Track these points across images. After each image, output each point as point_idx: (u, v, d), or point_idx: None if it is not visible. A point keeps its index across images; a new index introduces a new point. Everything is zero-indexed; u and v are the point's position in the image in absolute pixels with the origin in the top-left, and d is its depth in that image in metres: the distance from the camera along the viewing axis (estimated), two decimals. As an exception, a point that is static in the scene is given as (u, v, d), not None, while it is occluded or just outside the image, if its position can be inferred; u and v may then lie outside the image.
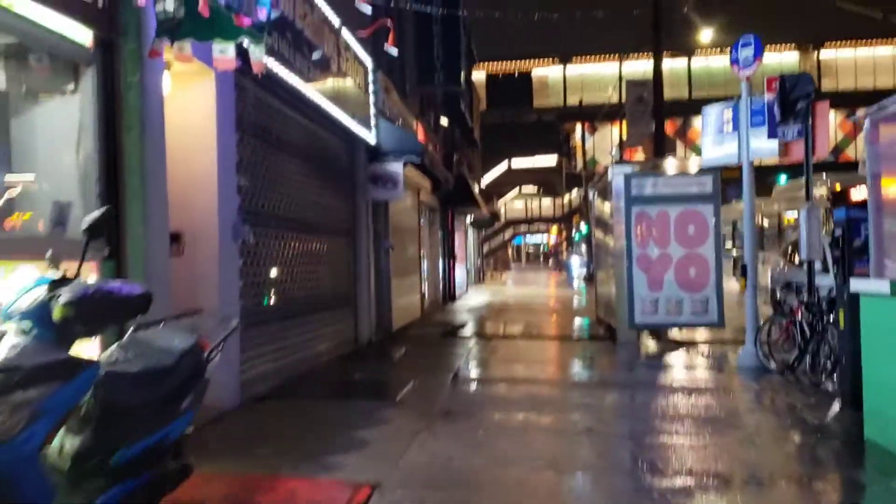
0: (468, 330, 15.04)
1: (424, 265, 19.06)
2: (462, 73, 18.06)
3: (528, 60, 51.49)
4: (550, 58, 51.19)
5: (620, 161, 16.30)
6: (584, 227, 49.23)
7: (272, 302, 8.54)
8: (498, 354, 11.51)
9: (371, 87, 12.40)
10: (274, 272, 8.63)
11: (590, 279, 35.87)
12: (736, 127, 10.25)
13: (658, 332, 12.66)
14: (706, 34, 30.66)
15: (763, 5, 45.60)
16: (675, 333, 12.77)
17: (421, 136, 17.41)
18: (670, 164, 13.12)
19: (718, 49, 48.57)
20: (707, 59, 47.69)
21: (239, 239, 7.20)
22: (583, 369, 10.06)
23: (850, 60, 47.99)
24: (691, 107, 44.54)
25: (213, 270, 6.82)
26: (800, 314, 9.23)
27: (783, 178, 41.43)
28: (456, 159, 23.65)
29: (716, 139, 10.69)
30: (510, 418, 6.81)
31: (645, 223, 12.26)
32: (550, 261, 75.63)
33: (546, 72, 51.50)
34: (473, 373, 9.73)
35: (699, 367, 10.09)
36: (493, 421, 6.74)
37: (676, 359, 10.80)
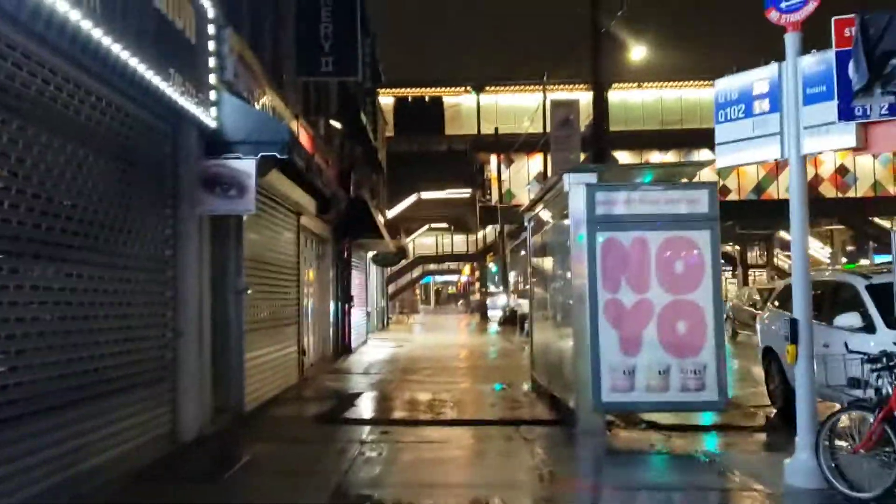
0: (360, 407, 10.67)
1: (307, 310, 14.63)
2: (360, 62, 13.91)
3: (439, 88, 47.92)
4: (463, 87, 47.83)
5: (580, 167, 12.35)
6: (493, 267, 45.65)
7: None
8: (398, 467, 7.17)
9: (213, 46, 8.14)
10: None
11: (507, 322, 32.06)
12: (776, 106, 6.50)
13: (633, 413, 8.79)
14: (636, 52, 27.98)
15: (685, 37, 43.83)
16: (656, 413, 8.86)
17: (305, 141, 13.15)
18: (646, 172, 9.21)
19: (637, 84, 46.62)
20: (627, 92, 45.34)
21: None
22: None
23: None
24: (608, 140, 41.89)
25: None
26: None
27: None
28: (355, 179, 19.43)
29: (736, 128, 6.90)
30: None
31: (615, 255, 8.43)
32: (460, 302, 71.70)
33: (459, 100, 48.08)
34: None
35: (724, 496, 6.13)
36: None
37: (677, 473, 6.87)
